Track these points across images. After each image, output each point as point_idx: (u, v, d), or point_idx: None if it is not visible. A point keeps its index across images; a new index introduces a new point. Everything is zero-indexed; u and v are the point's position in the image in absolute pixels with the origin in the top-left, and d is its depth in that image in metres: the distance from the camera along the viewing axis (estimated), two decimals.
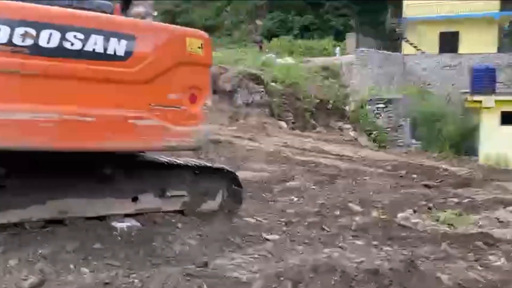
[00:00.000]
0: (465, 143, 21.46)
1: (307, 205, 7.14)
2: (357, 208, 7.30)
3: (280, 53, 29.10)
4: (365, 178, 10.20)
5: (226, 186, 5.48)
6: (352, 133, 19.26)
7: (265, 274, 3.38)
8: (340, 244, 5.12)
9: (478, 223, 6.85)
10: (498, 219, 7.06)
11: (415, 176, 10.95)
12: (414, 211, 7.55)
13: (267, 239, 4.88)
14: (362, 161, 12.69)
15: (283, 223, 5.70)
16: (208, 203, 5.31)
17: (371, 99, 20.74)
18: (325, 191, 8.37)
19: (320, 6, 41.90)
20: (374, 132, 19.50)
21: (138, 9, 6.45)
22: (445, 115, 22.14)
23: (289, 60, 26.30)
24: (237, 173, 6.05)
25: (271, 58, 26.18)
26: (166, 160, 4.97)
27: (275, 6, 43.00)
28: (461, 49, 34.44)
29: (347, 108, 20.89)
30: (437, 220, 6.83)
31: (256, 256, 4.23)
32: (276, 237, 4.97)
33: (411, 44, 36.18)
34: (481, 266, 4.57)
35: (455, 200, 8.56)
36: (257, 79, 17.98)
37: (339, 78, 23.45)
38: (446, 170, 12.72)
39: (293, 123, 18.43)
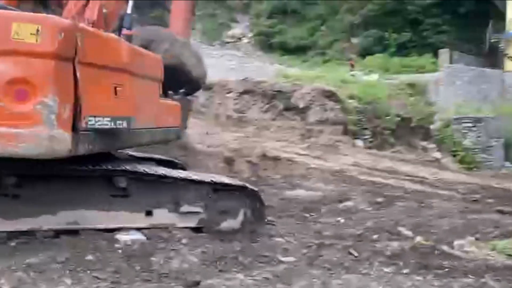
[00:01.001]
0: None
1: (351, 228, 6.84)
2: (407, 233, 6.85)
3: (374, 71, 28.70)
4: (432, 201, 9.57)
5: (248, 204, 5.39)
6: (436, 154, 18.30)
7: None
8: (364, 271, 4.82)
9: None
10: None
11: (491, 200, 10.09)
12: (476, 239, 7.00)
13: (281, 261, 4.70)
14: (436, 183, 11.96)
15: (312, 245, 5.47)
16: (228, 221, 5.25)
17: (457, 118, 19.67)
18: (379, 214, 7.96)
19: (418, 23, 41.10)
20: (461, 153, 18.41)
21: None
22: None
23: (374, 77, 25.76)
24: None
25: (356, 75, 25.82)
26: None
27: (372, 24, 42.73)
28: None
29: (432, 127, 19.91)
30: (493, 249, 6.26)
31: (259, 278, 4.08)
32: (292, 259, 4.77)
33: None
34: None
35: None
36: (333, 96, 17.68)
37: (425, 95, 22.51)
38: None
39: (370, 142, 17.85)
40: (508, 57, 35.11)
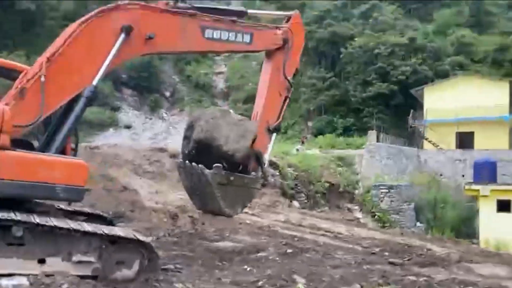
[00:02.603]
0: (467, 228, 19.92)
1: (252, 275, 6.42)
2: (301, 280, 6.50)
3: (323, 147, 29.48)
4: (337, 253, 9.21)
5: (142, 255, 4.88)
6: (358, 214, 18.22)
7: None
8: None
9: None
10: None
11: (387, 253, 9.78)
12: (361, 287, 6.65)
13: None
14: (347, 238, 11.63)
15: None
16: (123, 271, 4.74)
17: (375, 185, 19.86)
18: (284, 263, 7.56)
19: (360, 111, 45.00)
20: (378, 214, 18.41)
21: None
22: (448, 202, 20.80)
23: (315, 151, 25.98)
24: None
25: (300, 149, 26.00)
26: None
27: (324, 111, 47.05)
28: (476, 146, 33.45)
29: (356, 191, 19.97)
30: None
31: None
32: None
33: (430, 141, 35.90)
34: None
35: (413, 278, 7.48)
36: (274, 164, 17.60)
37: (351, 167, 22.73)
38: (429, 250, 11.38)
39: (305, 203, 17.70)
40: (425, 139, 36.34)
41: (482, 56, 47.90)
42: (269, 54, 7.33)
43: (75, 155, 5.11)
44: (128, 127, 46.25)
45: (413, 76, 43.08)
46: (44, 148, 4.81)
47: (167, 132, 46.11)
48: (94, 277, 4.53)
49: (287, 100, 7.54)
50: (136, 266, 4.81)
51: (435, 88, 37.42)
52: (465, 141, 34.01)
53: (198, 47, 6.31)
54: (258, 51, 7.80)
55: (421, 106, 38.40)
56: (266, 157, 7.46)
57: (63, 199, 4.79)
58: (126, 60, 5.74)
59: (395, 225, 18.37)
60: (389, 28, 49.82)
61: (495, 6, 55.99)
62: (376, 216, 18.40)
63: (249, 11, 7.25)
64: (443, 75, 42.97)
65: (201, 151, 6.63)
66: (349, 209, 18.82)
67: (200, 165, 6.34)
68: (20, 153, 4.39)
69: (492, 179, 19.59)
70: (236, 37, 6.36)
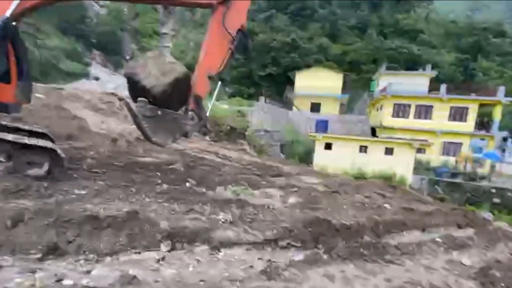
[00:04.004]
0: (308, 158, 21.34)
1: (157, 178, 6.19)
2: (193, 182, 6.37)
3: (231, 105, 28.39)
4: (224, 168, 9.14)
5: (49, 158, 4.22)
6: (246, 147, 18.59)
7: None
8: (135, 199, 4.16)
9: (253, 195, 6.18)
10: (266, 193, 6.43)
11: (255, 169, 10.07)
12: (232, 186, 6.67)
13: (67, 190, 3.86)
14: (233, 160, 11.72)
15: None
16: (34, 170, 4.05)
17: (257, 130, 20.32)
18: (184, 172, 7.39)
19: (259, 85, 45.20)
20: (258, 147, 19.00)
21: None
22: (300, 142, 22.00)
23: (225, 106, 25.48)
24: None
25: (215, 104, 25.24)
26: None
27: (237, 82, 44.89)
28: (321, 111, 35.55)
29: (246, 133, 20.24)
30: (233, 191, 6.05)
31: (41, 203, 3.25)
32: (80, 192, 3.98)
33: (295, 106, 37.13)
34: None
35: (264, 182, 7.80)
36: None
37: (246, 117, 22.89)
38: (279, 168, 11.92)
39: (214, 139, 17.49)
40: (293, 105, 37.62)
41: (332, 56, 50.27)
42: (213, 9, 5.65)
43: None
44: (96, 79, 41.53)
45: (292, 64, 43.98)
46: None
47: (125, 85, 41.99)
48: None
49: (231, 53, 5.72)
50: (46, 167, 4.24)
51: (302, 73, 38.61)
52: (315, 108, 36.18)
53: None
54: (202, 5, 5.99)
55: (293, 84, 39.50)
56: (209, 105, 6.18)
57: None
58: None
59: (267, 155, 19.11)
60: (280, 31, 49.58)
61: (344, 26, 58.18)
62: (256, 149, 18.93)
63: None
64: (309, 66, 44.56)
65: (131, 87, 5.48)
66: (241, 144, 19.05)
67: (127, 99, 5.42)
68: None
69: (324, 130, 21.07)
70: None
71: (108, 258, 2.54)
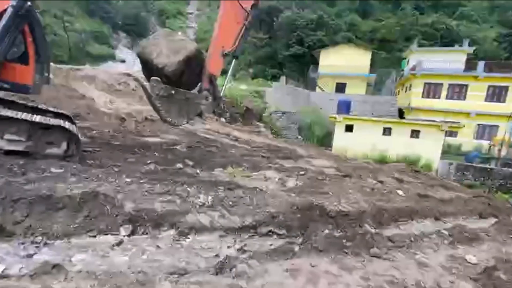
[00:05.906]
0: (328, 141, 20.60)
1: (153, 158, 6.04)
2: (190, 163, 6.16)
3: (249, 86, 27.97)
4: (231, 150, 8.89)
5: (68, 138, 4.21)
6: (262, 129, 18.18)
7: None
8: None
9: (250, 177, 5.85)
10: (265, 175, 6.09)
11: (264, 151, 9.73)
12: (232, 167, 6.44)
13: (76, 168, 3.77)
14: (243, 142, 11.40)
15: (108, 166, 4.59)
16: (52, 149, 4.05)
17: (274, 111, 19.74)
18: (186, 153, 7.24)
19: (283, 65, 43.00)
20: (274, 129, 18.51)
21: None
22: (319, 124, 21.22)
23: (243, 86, 25.04)
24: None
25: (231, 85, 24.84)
26: None
27: (261, 62, 43.97)
28: (346, 92, 34.09)
29: (263, 114, 19.76)
30: (232, 174, 5.74)
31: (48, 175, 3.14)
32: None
33: (319, 87, 35.95)
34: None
35: (270, 165, 7.47)
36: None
37: (263, 98, 22.32)
38: (293, 151, 11.47)
39: (228, 120, 17.23)
40: (317, 86, 36.32)
41: (362, 34, 47.45)
42: None
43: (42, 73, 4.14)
44: (122, 61, 42.66)
45: (318, 43, 42.04)
46: None
47: None
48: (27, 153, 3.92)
49: (245, 29, 5.65)
50: (64, 146, 4.24)
51: (327, 52, 36.86)
52: (340, 88, 34.64)
53: None
54: None
55: (318, 64, 37.96)
56: (225, 84, 5.96)
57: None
58: None
59: (283, 137, 18.61)
60: (306, 7, 47.30)
61: (376, 0, 54.39)
62: (273, 130, 18.46)
63: None
64: (336, 44, 42.41)
65: (145, 67, 5.32)
66: (257, 125, 18.67)
67: (141, 80, 5.28)
68: None
69: (347, 111, 20.00)
70: None
71: (58, 241, 2.38)
